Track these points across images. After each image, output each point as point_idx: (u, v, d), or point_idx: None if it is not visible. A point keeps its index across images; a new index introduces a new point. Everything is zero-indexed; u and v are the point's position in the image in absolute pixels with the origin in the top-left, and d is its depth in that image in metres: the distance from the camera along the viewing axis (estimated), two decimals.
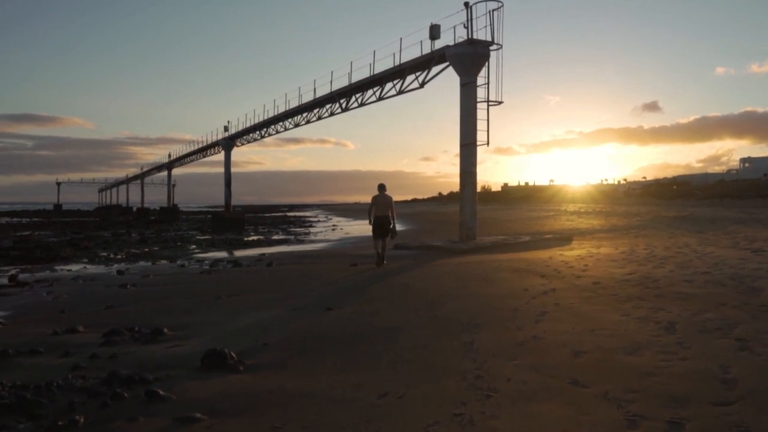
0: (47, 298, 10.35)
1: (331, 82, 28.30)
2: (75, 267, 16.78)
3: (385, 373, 4.54)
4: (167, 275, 13.54)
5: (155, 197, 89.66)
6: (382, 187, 12.78)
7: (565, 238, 18.43)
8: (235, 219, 42.31)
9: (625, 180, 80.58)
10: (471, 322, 6.17)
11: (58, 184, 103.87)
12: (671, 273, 9.11)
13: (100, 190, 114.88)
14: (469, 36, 18.26)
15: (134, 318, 7.60)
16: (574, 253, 13.38)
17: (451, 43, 18.90)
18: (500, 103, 18.69)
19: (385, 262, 12.68)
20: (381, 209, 12.63)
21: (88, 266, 16.96)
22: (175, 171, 74.18)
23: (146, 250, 22.71)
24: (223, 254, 20.52)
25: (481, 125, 18.49)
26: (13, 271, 15.19)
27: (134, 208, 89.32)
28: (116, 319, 7.61)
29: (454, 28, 18.82)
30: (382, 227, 12.61)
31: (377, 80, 24.18)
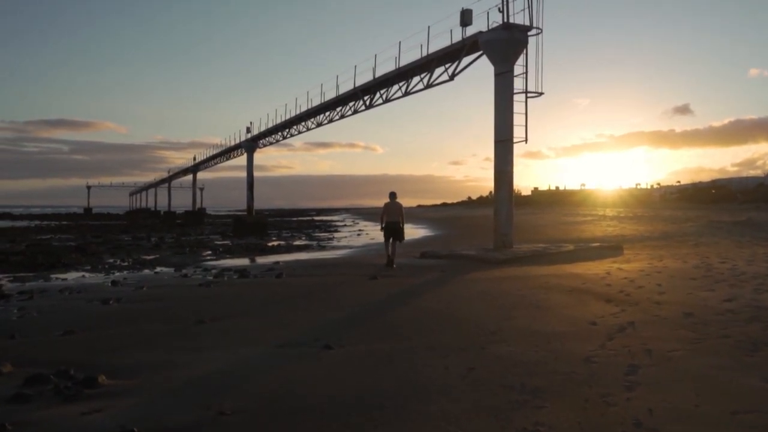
0: (12, 316, 8.80)
1: (354, 77, 26.56)
2: (74, 275, 15.36)
3: None
4: (163, 287, 11.92)
5: (185, 201, 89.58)
6: (392, 195, 13.68)
7: (614, 247, 16.26)
8: (257, 223, 40.88)
9: (658, 184, 76.42)
10: (526, 385, 4.11)
11: (89, 187, 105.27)
12: None
13: (131, 194, 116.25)
14: (505, 20, 16.30)
15: (82, 352, 6.01)
16: (633, 266, 11.24)
17: (485, 29, 16.98)
18: (540, 94, 16.69)
19: (395, 266, 13.09)
20: (391, 215, 13.55)
21: (87, 274, 15.52)
22: (204, 175, 74.20)
23: (157, 256, 21.32)
24: (235, 262, 18.91)
25: (518, 119, 16.49)
26: (4, 281, 13.88)
27: (162, 212, 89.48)
28: (61, 353, 6.06)
29: (488, 12, 16.94)
30: (392, 231, 13.52)
31: (403, 74, 22.39)
